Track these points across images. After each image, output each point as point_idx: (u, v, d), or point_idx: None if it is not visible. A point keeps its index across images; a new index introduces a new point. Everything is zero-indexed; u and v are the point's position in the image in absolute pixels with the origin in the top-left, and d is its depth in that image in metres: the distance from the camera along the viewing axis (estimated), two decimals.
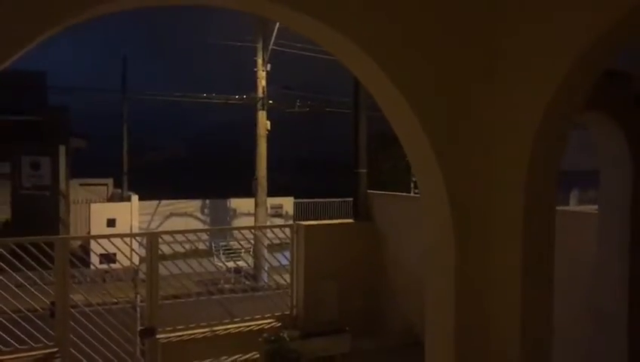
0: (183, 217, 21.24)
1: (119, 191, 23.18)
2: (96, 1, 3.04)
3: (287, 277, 6.73)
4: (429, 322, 4.30)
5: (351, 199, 7.77)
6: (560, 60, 3.60)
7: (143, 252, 6.32)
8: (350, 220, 7.48)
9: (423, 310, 4.47)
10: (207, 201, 22.12)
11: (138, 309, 7.47)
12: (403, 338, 6.08)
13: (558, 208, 4.11)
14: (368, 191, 7.47)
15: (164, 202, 21.37)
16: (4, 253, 5.52)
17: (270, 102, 18.05)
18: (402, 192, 8.06)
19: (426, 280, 4.32)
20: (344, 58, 4.06)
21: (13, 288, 5.60)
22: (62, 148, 19.14)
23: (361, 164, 7.54)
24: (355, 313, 6.45)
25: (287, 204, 22.37)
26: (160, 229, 19.60)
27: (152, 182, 27.41)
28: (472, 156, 4.03)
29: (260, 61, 17.81)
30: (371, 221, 7.17)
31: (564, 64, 3.57)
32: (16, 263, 5.56)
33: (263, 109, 17.72)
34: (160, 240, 5.99)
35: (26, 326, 5.44)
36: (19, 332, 5.39)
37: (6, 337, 5.32)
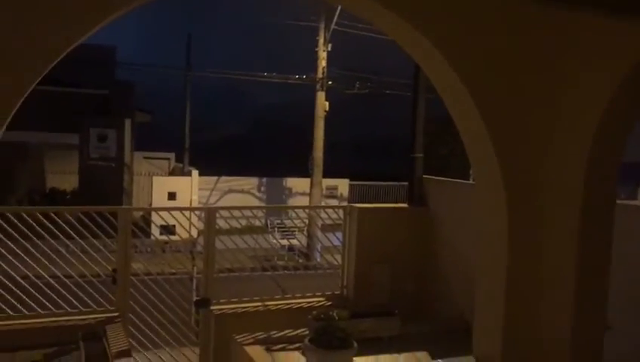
0: (240, 194, 21.71)
1: (180, 165, 23.86)
2: None
3: (338, 257, 6.80)
4: (479, 309, 4.28)
5: (406, 183, 7.72)
6: (621, 59, 3.48)
7: (201, 225, 6.52)
8: (404, 205, 7.45)
9: (474, 297, 4.44)
10: (264, 179, 22.48)
11: (194, 280, 7.73)
12: (452, 324, 6.04)
13: (619, 202, 3.98)
14: (424, 176, 7.41)
15: (222, 178, 21.88)
16: (72, 219, 5.82)
17: (329, 82, 18.06)
18: (459, 178, 7.94)
19: (478, 268, 4.29)
20: (404, 42, 4.03)
21: (79, 253, 5.91)
22: (127, 122, 19.84)
23: (418, 149, 7.46)
24: (405, 297, 6.46)
25: (343, 185, 22.44)
26: (218, 204, 20.08)
27: (212, 158, 28.06)
28: (531, 147, 3.96)
29: (321, 41, 17.82)
30: (426, 206, 7.12)
31: (625, 63, 3.45)
32: (82, 230, 5.86)
33: (322, 90, 17.77)
34: (218, 215, 6.15)
35: (90, 289, 5.74)
36: (82, 295, 5.70)
37: (71, 299, 5.64)
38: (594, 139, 3.63)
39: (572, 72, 3.80)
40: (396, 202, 7.36)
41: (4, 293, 5.33)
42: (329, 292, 6.59)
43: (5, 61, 2.98)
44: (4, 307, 5.30)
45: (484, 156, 4.00)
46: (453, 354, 4.43)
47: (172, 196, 18.72)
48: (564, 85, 3.85)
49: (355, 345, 4.68)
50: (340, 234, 6.87)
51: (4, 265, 5.50)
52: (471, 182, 9.62)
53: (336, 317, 5.03)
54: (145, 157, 22.72)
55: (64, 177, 20.97)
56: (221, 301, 6.07)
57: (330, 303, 6.30)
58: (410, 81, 7.82)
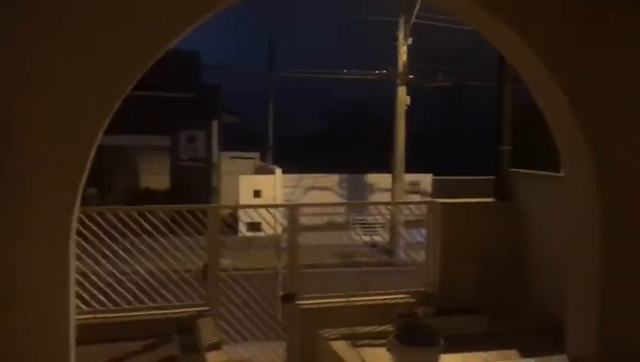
0: (322, 191, 21.88)
1: (265, 164, 24.41)
2: None
3: (422, 254, 6.71)
4: (572, 308, 4.10)
5: (493, 177, 7.50)
6: None
7: (285, 222, 6.64)
8: (490, 199, 7.24)
9: (565, 295, 4.26)
10: (345, 176, 22.54)
11: (280, 276, 7.90)
12: (542, 323, 5.81)
13: None
14: (511, 169, 7.17)
15: (305, 176, 22.13)
16: (165, 218, 6.12)
17: (410, 76, 17.81)
18: (550, 170, 7.59)
19: (570, 266, 4.11)
20: (492, 37, 3.93)
21: (172, 250, 6.19)
22: (214, 124, 20.52)
23: (505, 141, 7.23)
24: (492, 294, 6.28)
25: (426, 180, 22.08)
26: (301, 201, 20.37)
27: (295, 156, 28.50)
28: (624, 139, 3.75)
29: (401, 35, 17.62)
30: (513, 200, 6.88)
31: None
32: (175, 228, 6.14)
33: (403, 84, 17.56)
34: (301, 211, 6.25)
35: (182, 284, 6.01)
36: (176, 290, 5.97)
37: (165, 293, 5.92)
38: None
39: None
40: (482, 197, 7.11)
41: (105, 288, 5.69)
42: (413, 290, 6.53)
43: (103, 68, 3.18)
44: (105, 301, 5.65)
45: (575, 151, 3.82)
46: (543, 352, 4.27)
47: (257, 194, 19.20)
48: None
49: (442, 342, 4.62)
50: (423, 230, 6.79)
51: (104, 262, 5.87)
52: (560, 174, 9.16)
53: (421, 314, 4.99)
54: (231, 157, 23.42)
55: (157, 178, 21.98)
56: (306, 296, 6.17)
57: (414, 300, 6.24)
58: (494, 72, 7.57)
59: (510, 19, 3.54)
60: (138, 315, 5.64)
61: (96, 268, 5.79)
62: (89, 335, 4.72)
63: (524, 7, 3.55)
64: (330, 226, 7.13)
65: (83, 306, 5.43)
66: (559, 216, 5.88)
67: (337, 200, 21.42)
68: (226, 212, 15.49)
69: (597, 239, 3.73)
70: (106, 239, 5.84)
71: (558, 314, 5.67)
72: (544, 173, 7.48)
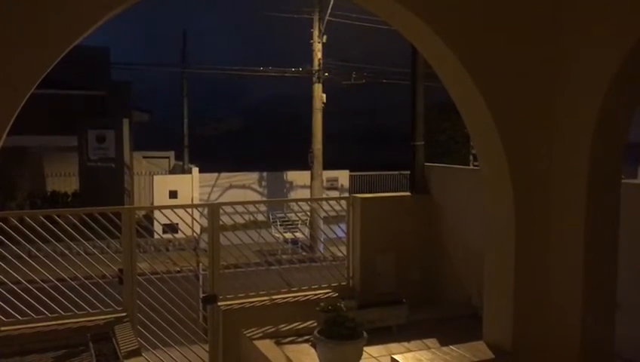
0: (241, 189, 21.68)
1: (180, 163, 23.85)
2: None
3: (343, 248, 6.79)
4: (488, 295, 4.28)
5: (408, 172, 7.69)
6: (629, 27, 3.45)
7: (203, 222, 6.49)
8: (407, 193, 7.44)
9: (481, 283, 4.44)
10: (265, 174, 22.46)
11: (200, 277, 7.73)
12: (460, 310, 6.06)
13: (624, 181, 3.98)
14: (425, 163, 7.40)
15: (223, 174, 21.83)
16: (75, 221, 5.81)
17: (326, 74, 17.98)
18: (459, 164, 7.91)
19: (485, 255, 4.29)
20: (402, 27, 4.01)
21: (84, 255, 5.89)
22: (125, 122, 19.77)
23: (419, 136, 7.45)
24: (412, 285, 6.47)
25: (343, 176, 22.41)
26: (220, 201, 20.05)
27: (212, 154, 28.03)
28: (535, 129, 3.95)
29: (315, 33, 17.73)
30: (428, 194, 7.11)
31: (633, 31, 3.42)
32: (87, 231, 5.84)
33: (319, 82, 17.70)
34: (221, 210, 6.14)
35: (97, 291, 5.73)
36: (90, 297, 5.69)
37: (79, 301, 5.64)
38: (597, 121, 3.62)
39: (574, 51, 3.78)
40: (398, 191, 7.29)
41: (11, 298, 5.33)
42: (335, 284, 6.59)
43: (7, 65, 2.97)
44: (12, 312, 5.30)
45: (490, 145, 3.98)
46: (461, 340, 4.43)
47: (173, 194, 18.73)
48: (566, 68, 3.83)
49: (365, 334, 4.69)
50: (342, 226, 6.86)
51: (10, 270, 5.50)
52: (471, 167, 9.57)
53: (344, 308, 5.03)
54: (144, 157, 22.69)
55: (64, 180, 20.94)
56: (228, 296, 6.08)
57: (336, 294, 6.30)
58: (407, 69, 7.77)
59: (428, 16, 3.64)
60: (49, 325, 5.34)
61: (1, 277, 5.42)
62: None
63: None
64: (251, 225, 7.03)
65: None
66: (472, 208, 6.15)
67: (257, 198, 21.30)
68: (140, 214, 14.98)
69: (511, 230, 3.91)
70: (11, 245, 5.48)
71: (473, 301, 5.93)
72: (456, 166, 7.79)
